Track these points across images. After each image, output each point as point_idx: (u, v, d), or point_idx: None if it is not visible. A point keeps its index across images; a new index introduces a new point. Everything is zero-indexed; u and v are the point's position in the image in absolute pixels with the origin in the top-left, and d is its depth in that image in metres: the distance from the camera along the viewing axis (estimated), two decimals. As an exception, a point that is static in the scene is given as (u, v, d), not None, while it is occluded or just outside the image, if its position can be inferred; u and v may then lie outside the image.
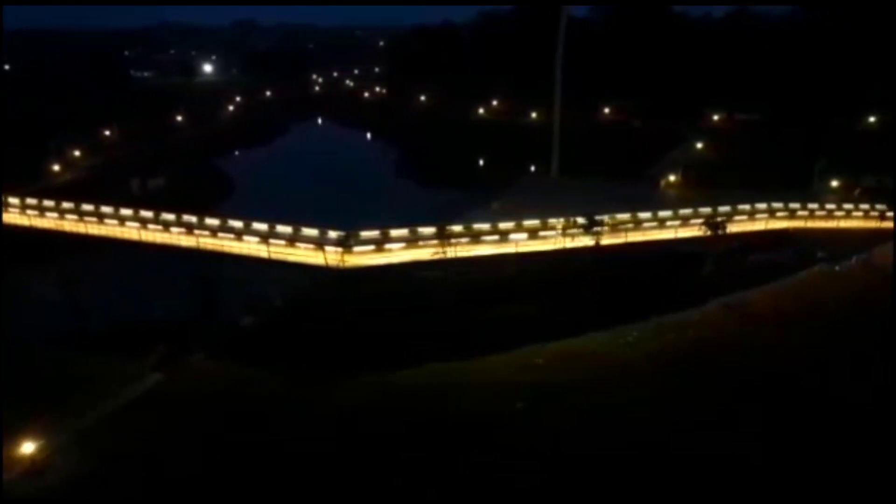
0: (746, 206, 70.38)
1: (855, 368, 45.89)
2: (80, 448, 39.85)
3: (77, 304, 62.14)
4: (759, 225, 68.82)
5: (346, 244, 54.97)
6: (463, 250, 58.24)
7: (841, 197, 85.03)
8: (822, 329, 52.49)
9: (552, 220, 63.76)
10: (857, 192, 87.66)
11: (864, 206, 74.52)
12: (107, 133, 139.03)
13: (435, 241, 57.81)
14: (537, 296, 57.11)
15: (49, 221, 67.02)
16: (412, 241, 57.83)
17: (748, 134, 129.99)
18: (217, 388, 46.76)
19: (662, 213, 67.34)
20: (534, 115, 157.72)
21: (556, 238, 61.93)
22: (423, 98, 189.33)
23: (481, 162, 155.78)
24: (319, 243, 56.04)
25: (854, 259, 65.27)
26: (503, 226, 62.94)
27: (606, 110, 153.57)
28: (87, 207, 67.42)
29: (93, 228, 64.09)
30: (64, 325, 60.93)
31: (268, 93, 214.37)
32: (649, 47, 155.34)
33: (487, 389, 46.10)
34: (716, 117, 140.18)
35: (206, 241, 59.74)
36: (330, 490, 34.66)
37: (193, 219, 62.95)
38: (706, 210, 68.95)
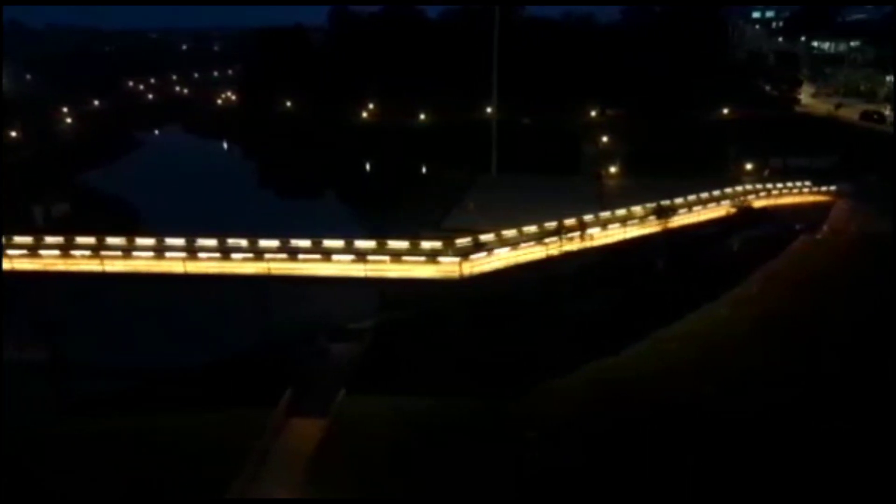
0: (728, 190, 79.10)
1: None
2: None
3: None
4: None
5: (465, 253, 52.30)
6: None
7: (755, 178, 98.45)
8: (849, 287, 61.46)
9: (633, 209, 66.47)
10: (766, 172, 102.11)
11: (798, 183, 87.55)
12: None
13: (533, 242, 57.48)
14: (630, 282, 59.68)
15: (38, 262, 53.92)
16: (518, 242, 56.79)
17: (625, 127, 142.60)
18: (409, 423, 42.35)
19: (690, 198, 72.79)
20: (422, 116, 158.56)
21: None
22: (288, 104, 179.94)
23: (368, 167, 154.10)
24: (433, 255, 52.67)
25: (825, 228, 76.88)
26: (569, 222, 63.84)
27: (489, 109, 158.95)
28: (86, 240, 55.43)
29: (114, 265, 52.86)
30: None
31: (96, 102, 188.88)
32: (515, 47, 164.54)
33: (657, 379, 47.59)
34: (593, 113, 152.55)
35: (278, 266, 52.71)
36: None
37: (243, 242, 55.05)
38: (704, 195, 76.25)
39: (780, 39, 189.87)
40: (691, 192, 76.80)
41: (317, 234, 59.96)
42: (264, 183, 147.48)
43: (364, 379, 47.96)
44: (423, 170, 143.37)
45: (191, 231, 59.59)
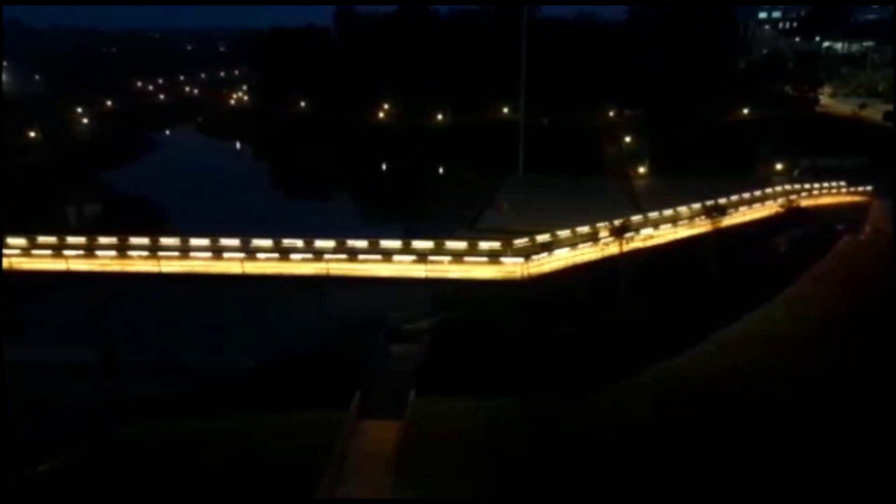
0: (769, 190, 78.90)
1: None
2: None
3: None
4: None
5: (527, 254, 51.88)
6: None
7: (785, 178, 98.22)
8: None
9: (680, 210, 66.01)
10: (795, 172, 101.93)
11: (833, 183, 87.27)
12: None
13: (589, 243, 57.14)
14: (684, 283, 59.40)
15: (95, 263, 53.28)
16: (575, 243, 56.43)
17: (644, 126, 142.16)
18: (487, 426, 41.81)
19: (734, 198, 72.52)
20: (440, 117, 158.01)
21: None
22: (302, 104, 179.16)
23: (386, 167, 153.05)
24: (493, 255, 52.26)
25: (866, 228, 76.59)
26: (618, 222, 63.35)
27: (506, 110, 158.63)
28: (139, 241, 54.83)
29: (171, 265, 52.24)
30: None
31: (108, 103, 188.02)
32: (531, 47, 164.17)
33: (729, 380, 47.15)
34: (611, 113, 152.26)
35: (336, 267, 52.15)
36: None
37: (299, 242, 54.51)
38: (747, 195, 75.96)
39: (797, 39, 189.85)
40: (724, 193, 76.18)
41: (343, 234, 59.43)
42: (281, 184, 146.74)
43: (432, 380, 47.36)
44: (442, 170, 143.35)
45: (223, 231, 58.89)
